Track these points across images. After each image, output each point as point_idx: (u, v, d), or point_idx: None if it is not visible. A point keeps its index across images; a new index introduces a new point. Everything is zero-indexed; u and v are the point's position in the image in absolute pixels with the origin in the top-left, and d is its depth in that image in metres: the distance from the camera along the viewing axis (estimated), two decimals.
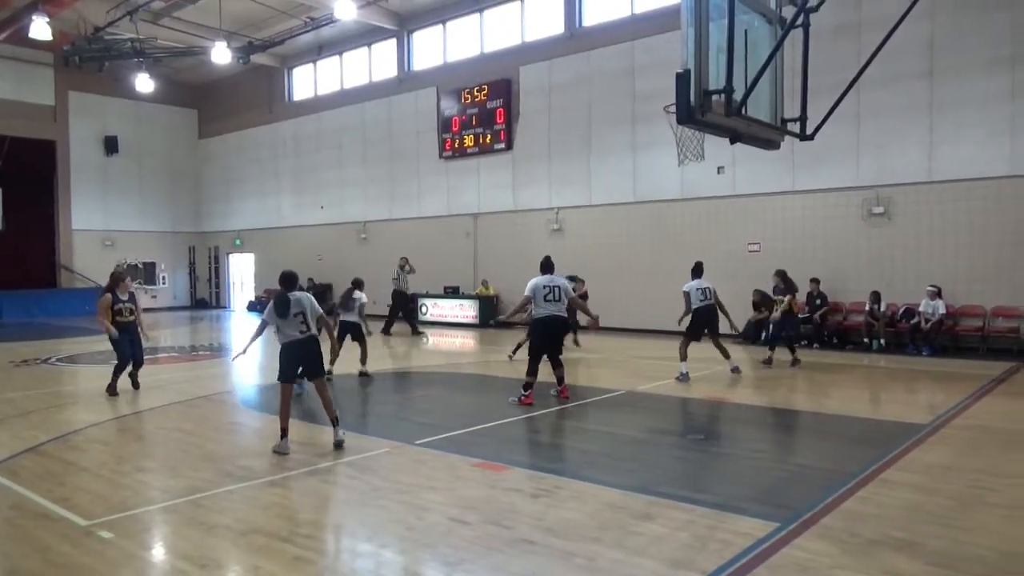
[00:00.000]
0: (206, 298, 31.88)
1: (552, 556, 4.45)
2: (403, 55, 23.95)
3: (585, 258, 18.16)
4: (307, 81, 27.65)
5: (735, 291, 14.27)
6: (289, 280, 7.17)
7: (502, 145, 21.23)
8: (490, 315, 21.10)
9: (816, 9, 7.20)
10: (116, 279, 10.34)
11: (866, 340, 14.74)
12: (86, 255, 28.27)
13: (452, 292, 21.89)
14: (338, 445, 6.99)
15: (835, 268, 15.13)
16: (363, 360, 11.50)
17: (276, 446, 6.87)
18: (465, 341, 18.13)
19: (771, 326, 13.19)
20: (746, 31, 6.83)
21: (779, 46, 6.83)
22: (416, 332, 18.63)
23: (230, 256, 31.26)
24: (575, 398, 9.53)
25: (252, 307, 28.57)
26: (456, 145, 22.29)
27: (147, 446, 7.70)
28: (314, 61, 26.91)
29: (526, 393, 9.17)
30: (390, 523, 5.15)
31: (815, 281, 15.04)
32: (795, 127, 7.74)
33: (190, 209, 31.75)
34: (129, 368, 10.23)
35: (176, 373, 12.13)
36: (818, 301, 15.06)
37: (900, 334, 14.45)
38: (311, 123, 26.91)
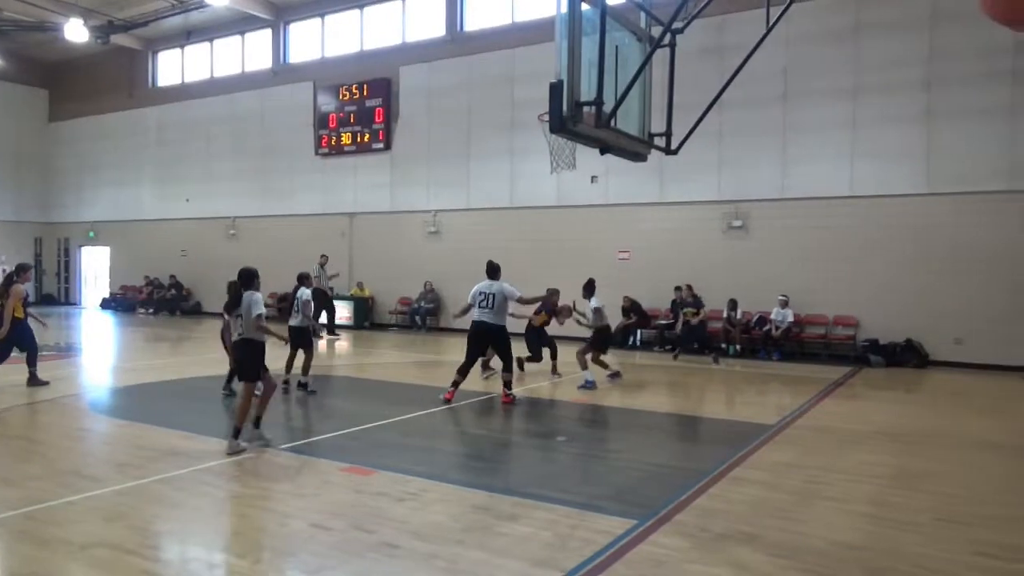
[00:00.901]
0: (53, 294, 29.51)
1: (415, 559, 4.44)
2: (279, 47, 23.17)
3: (461, 261, 18.21)
4: (174, 67, 26.19)
5: (605, 297, 14.60)
6: (247, 277, 7.08)
7: (380, 145, 20.96)
8: (365, 317, 20.78)
9: (682, 31, 7.57)
10: (21, 269, 10.31)
11: (723, 345, 15.63)
12: None
13: None
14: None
15: (697, 277, 15.91)
16: (305, 369, 10.31)
17: (228, 447, 6.79)
18: (339, 343, 17.73)
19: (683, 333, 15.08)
20: (617, 47, 7.07)
21: (646, 63, 7.11)
22: (332, 333, 18.23)
23: (82, 249, 29.11)
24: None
25: (106, 304, 26.72)
26: (333, 142, 21.79)
27: None
28: (182, 46, 25.57)
29: (449, 389, 9.58)
30: (250, 531, 4.97)
31: (684, 288, 15.58)
32: (661, 141, 8.06)
33: (37, 197, 29.26)
34: None
35: (18, 375, 11.13)
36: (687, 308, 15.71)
37: (754, 340, 15.46)
38: (177, 111, 25.50)
